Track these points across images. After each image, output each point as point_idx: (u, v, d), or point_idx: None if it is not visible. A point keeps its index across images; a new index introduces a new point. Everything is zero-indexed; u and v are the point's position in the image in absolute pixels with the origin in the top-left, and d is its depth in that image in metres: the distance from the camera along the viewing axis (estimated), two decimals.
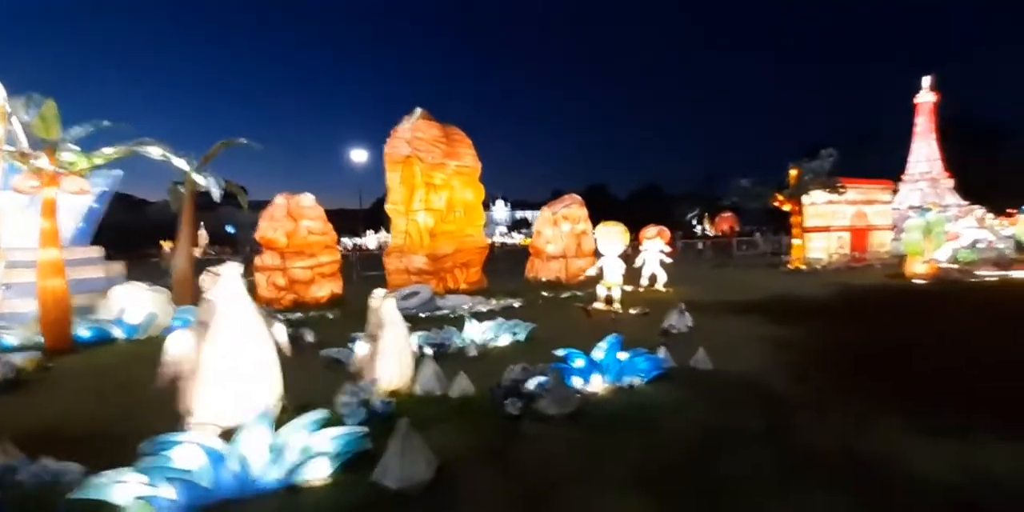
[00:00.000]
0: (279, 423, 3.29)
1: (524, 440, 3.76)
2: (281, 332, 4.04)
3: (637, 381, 5.01)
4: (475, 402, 4.49)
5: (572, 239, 13.80)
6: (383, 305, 4.43)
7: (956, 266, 16.21)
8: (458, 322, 7.70)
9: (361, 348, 4.42)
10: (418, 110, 11.08)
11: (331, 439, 3.23)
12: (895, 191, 22.82)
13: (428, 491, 2.94)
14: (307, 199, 10.63)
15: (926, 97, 23.90)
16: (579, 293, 12.28)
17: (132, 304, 8.82)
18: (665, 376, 5.17)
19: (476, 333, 6.91)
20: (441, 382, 4.75)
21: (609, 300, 10.11)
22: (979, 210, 20.30)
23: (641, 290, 12.97)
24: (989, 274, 14.59)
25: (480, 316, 9.11)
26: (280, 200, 10.63)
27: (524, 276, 14.51)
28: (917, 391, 4.65)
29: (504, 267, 19.09)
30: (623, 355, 5.08)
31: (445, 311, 9.79)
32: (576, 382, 4.80)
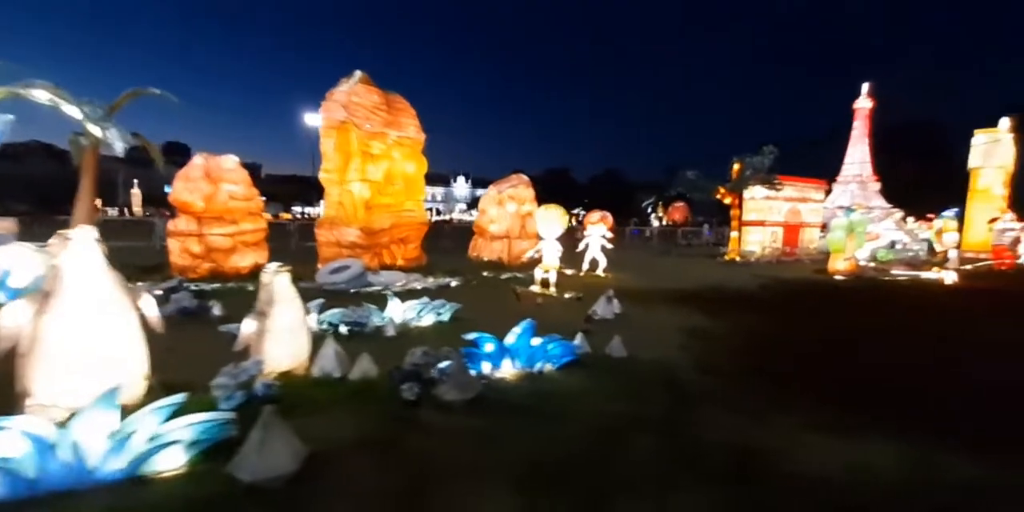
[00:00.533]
0: (144, 406, 2.93)
1: (416, 428, 3.57)
2: (150, 305, 3.60)
3: (548, 367, 4.93)
4: (376, 386, 4.25)
5: (516, 220, 13.61)
6: (275, 280, 4.06)
7: (874, 265, 17.40)
8: (385, 300, 7.39)
9: (248, 325, 4.04)
10: (357, 73, 10.34)
11: (188, 426, 2.90)
12: (828, 191, 24.13)
13: (287, 485, 2.69)
14: (229, 161, 9.78)
15: (863, 103, 25.23)
16: (519, 275, 12.18)
17: (18, 265, 7.86)
18: (577, 363, 5.13)
19: (397, 312, 6.62)
20: (342, 363, 4.47)
21: (546, 283, 10.06)
22: (898, 213, 21.87)
23: (581, 274, 13.06)
24: (902, 274, 15.74)
25: (411, 294, 8.82)
26: (198, 160, 9.73)
27: (468, 255, 14.25)
28: (819, 386, 4.82)
29: (453, 245, 18.73)
30: (536, 340, 4.97)
31: (377, 287, 9.40)
32: (485, 367, 4.66)
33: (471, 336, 4.74)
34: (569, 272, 13.29)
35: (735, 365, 5.41)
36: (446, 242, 20.72)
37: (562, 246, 10.01)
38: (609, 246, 13.09)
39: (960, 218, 26.86)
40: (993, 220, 23.15)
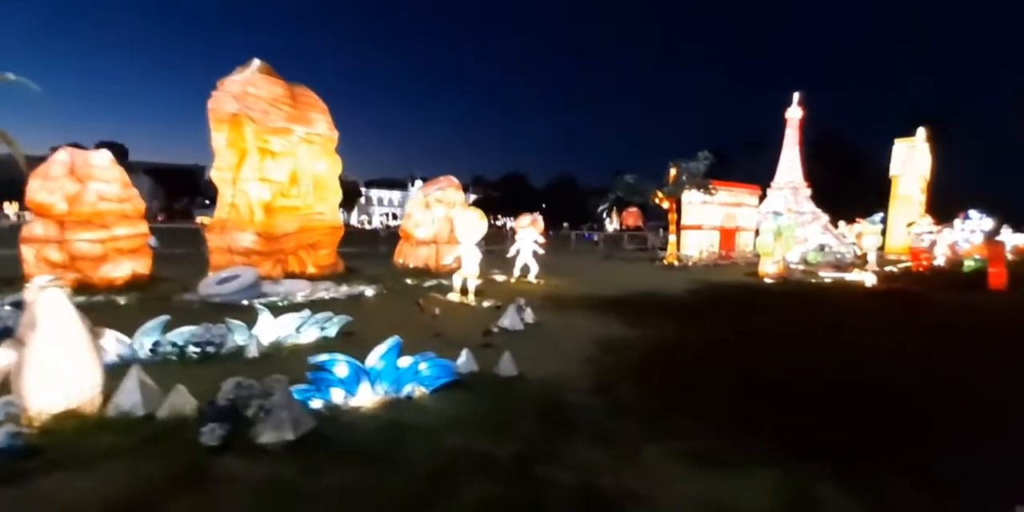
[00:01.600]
0: None
1: (203, 483, 2.81)
2: None
3: (420, 391, 4.26)
4: (189, 426, 3.44)
5: (445, 224, 12.91)
6: (39, 298, 3.18)
7: (803, 267, 17.86)
8: (269, 312, 6.52)
9: (5, 355, 3.14)
10: (256, 61, 9.37)
11: None
12: (763, 196, 24.88)
13: None
14: (100, 157, 8.58)
15: (794, 112, 26.33)
16: (445, 282, 11.48)
17: None
18: (458, 384, 4.49)
19: (268, 328, 5.76)
20: (149, 399, 3.62)
21: (465, 291, 9.41)
22: (825, 217, 22.83)
23: (512, 281, 12.51)
24: (828, 275, 16.16)
25: (315, 306, 7.95)
26: (62, 156, 8.47)
27: (392, 261, 13.40)
28: (713, 404, 4.39)
29: (391, 250, 17.77)
30: (405, 360, 4.28)
31: (274, 298, 8.44)
32: (336, 395, 3.94)
33: (322, 358, 4.00)
34: (499, 278, 12.73)
35: (632, 381, 4.92)
36: (384, 248, 19.74)
37: (482, 252, 9.38)
38: (541, 251, 12.61)
39: (885, 222, 28.51)
40: (911, 224, 24.52)
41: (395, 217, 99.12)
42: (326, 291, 9.42)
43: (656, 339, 6.84)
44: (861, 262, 16.54)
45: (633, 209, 57.15)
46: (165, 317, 5.31)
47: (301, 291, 8.96)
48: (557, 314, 8.56)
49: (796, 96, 25.81)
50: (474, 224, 9.05)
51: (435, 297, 8.62)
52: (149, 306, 7.62)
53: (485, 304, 8.99)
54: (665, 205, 18.87)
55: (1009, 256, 28.83)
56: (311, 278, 10.18)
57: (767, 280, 14.80)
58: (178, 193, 74.51)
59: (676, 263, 18.27)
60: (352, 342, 6.04)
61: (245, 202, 9.08)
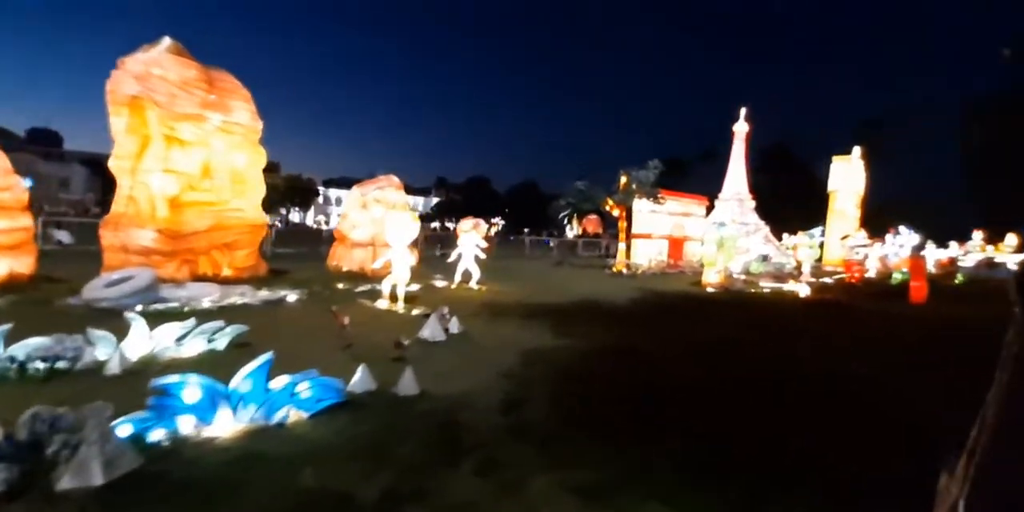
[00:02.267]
0: None
1: None
2: None
3: (298, 415, 3.72)
4: None
5: (383, 225, 12.26)
6: None
7: (745, 277, 18.28)
8: (156, 319, 5.77)
9: None
10: (166, 39, 8.48)
11: None
12: (711, 206, 25.56)
13: None
14: None
15: (741, 127, 27.26)
16: (379, 286, 10.87)
17: None
18: (347, 405, 3.98)
19: (139, 340, 5.03)
20: None
21: (395, 297, 8.85)
22: (766, 228, 23.67)
23: (453, 287, 12.03)
24: (769, 285, 16.58)
25: (226, 312, 7.22)
26: None
27: (326, 263, 12.61)
28: (619, 424, 4.07)
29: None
30: (280, 381, 3.73)
31: (174, 304, 7.60)
32: (185, 423, 3.34)
33: (170, 379, 3.39)
34: (440, 284, 12.21)
35: (546, 397, 4.55)
36: (326, 249, 18.79)
37: (413, 256, 8.84)
38: (483, 256, 12.19)
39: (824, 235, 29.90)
40: (845, 237, 25.77)
41: None
42: (241, 296, 8.62)
43: (585, 350, 6.54)
44: (797, 273, 17.06)
45: (593, 216, 57.93)
46: (6, 326, 4.51)
47: (208, 296, 8.14)
48: (489, 323, 8.15)
49: (743, 111, 26.75)
50: (405, 226, 8.52)
51: (339, 315, 8.02)
52: (22, 311, 6.66)
53: (415, 312, 8.46)
54: (616, 212, 18.91)
55: (933, 270, 30.94)
56: (226, 282, 9.34)
57: (709, 289, 14.96)
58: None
59: (625, 271, 18.29)
60: (245, 355, 5.38)
61: (146, 195, 8.16)
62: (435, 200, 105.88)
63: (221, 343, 5.52)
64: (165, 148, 8.25)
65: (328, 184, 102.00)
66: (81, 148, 65.57)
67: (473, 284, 12.01)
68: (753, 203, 26.65)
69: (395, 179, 12.88)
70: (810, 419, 4.36)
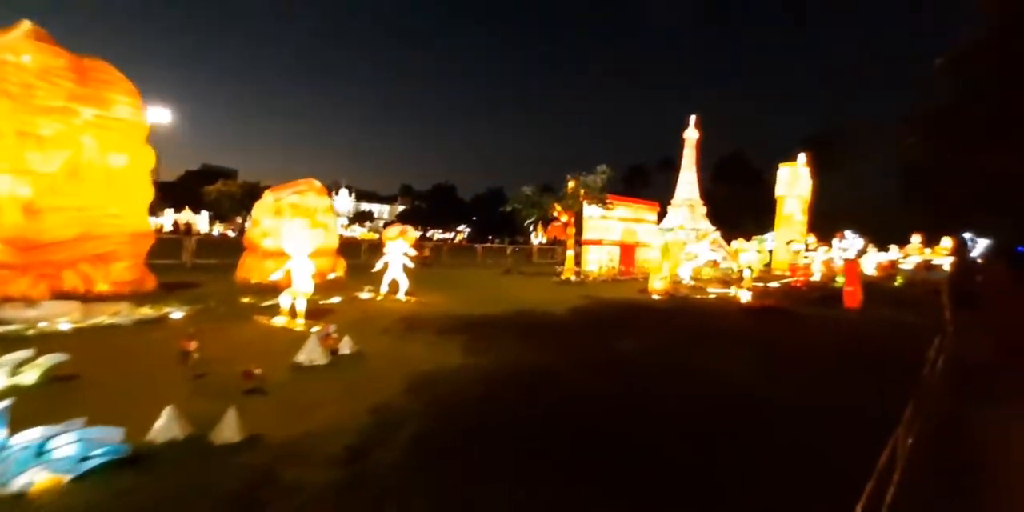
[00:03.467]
0: None
1: None
2: None
3: (51, 480, 2.81)
4: None
5: (322, 235, 11.27)
6: None
7: (693, 283, 18.08)
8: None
9: None
10: (25, 23, 7.39)
11: None
12: (663, 212, 25.55)
13: None
14: None
15: (691, 134, 27.54)
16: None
17: None
18: (136, 461, 3.11)
19: None
20: None
21: (295, 313, 7.90)
22: (715, 234, 23.83)
23: (379, 298, 11.12)
24: (715, 291, 16.39)
25: (84, 335, 6.17)
26: None
27: (235, 276, 11.46)
28: (489, 473, 3.36)
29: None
30: (26, 436, 2.83)
31: (14, 326, 6.45)
32: None
33: None
34: (365, 296, 11.28)
35: (404, 441, 3.79)
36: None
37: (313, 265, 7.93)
38: (411, 265, 11.34)
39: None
40: (790, 242, 26.24)
41: None
42: (111, 316, 7.49)
43: (488, 371, 5.82)
44: (736, 278, 16.97)
45: (559, 223, 57.90)
46: None
47: (65, 316, 6.99)
48: (396, 340, 7.35)
49: (692, 119, 27.03)
50: (301, 233, 7.63)
51: (260, 320, 7.03)
52: None
53: (314, 330, 7.54)
54: (564, 218, 18.42)
55: (875, 272, 31.97)
56: (101, 298, 8.16)
57: (655, 297, 14.60)
58: None
59: (573, 278, 17.78)
60: (65, 391, 4.43)
61: None
62: (401, 208, 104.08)
63: (29, 376, 4.51)
64: (18, 146, 7.09)
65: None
66: None
67: (401, 295, 11.15)
68: (704, 209, 26.87)
69: (316, 183, 11.91)
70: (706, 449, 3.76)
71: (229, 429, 3.51)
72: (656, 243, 14.64)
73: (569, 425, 4.22)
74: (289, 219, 7.61)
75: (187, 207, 66.48)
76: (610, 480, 3.30)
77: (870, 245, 35.64)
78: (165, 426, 3.45)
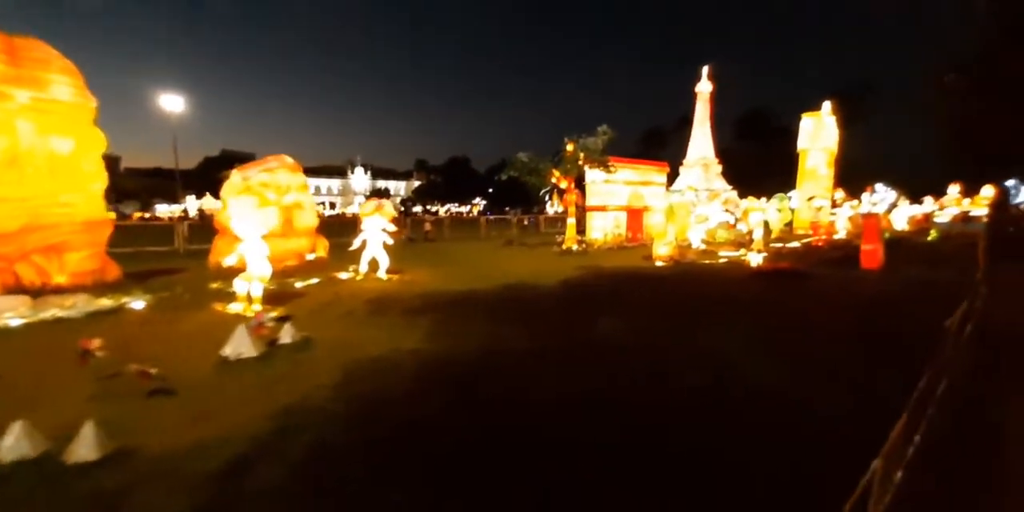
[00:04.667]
0: None
1: None
2: None
3: None
4: None
5: (277, 213, 10.78)
6: None
7: (704, 247, 17.06)
8: None
9: None
10: None
11: None
12: (674, 174, 24.11)
13: None
14: None
15: (704, 86, 25.53)
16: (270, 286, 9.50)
17: None
18: None
19: None
20: None
21: (250, 298, 7.48)
22: (729, 194, 22.35)
23: (359, 278, 10.67)
24: (728, 254, 15.40)
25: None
26: None
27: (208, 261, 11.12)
28: (376, 488, 2.82)
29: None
30: None
31: None
32: None
33: None
34: (344, 276, 10.84)
35: (307, 449, 3.26)
36: None
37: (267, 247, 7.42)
38: (390, 241, 10.78)
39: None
40: (811, 199, 24.59)
41: (332, 206, 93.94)
42: (62, 308, 7.22)
43: (442, 358, 5.27)
44: (747, 240, 15.87)
45: (577, 190, 56.38)
46: None
47: (9, 311, 6.72)
48: (356, 324, 6.86)
49: (706, 69, 25.02)
50: (250, 213, 7.08)
51: (215, 308, 6.61)
52: None
53: (271, 315, 7.11)
54: (563, 185, 17.44)
55: (908, 226, 29.98)
56: (59, 291, 7.89)
57: (659, 263, 13.75)
58: None
59: (575, 248, 16.97)
60: None
61: None
62: (416, 183, 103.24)
63: None
64: None
65: (306, 173, 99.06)
66: None
67: (382, 274, 10.66)
68: (719, 168, 25.24)
69: (288, 159, 11.30)
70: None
71: (85, 446, 3.04)
72: (659, 206, 13.62)
73: (499, 430, 3.64)
74: (234, 197, 7.06)
75: (207, 194, 67.22)
76: None
77: (902, 198, 33.37)
78: (14, 443, 3.01)
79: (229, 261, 7.51)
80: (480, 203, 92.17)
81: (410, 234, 24.03)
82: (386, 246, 10.79)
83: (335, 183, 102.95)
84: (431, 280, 10.84)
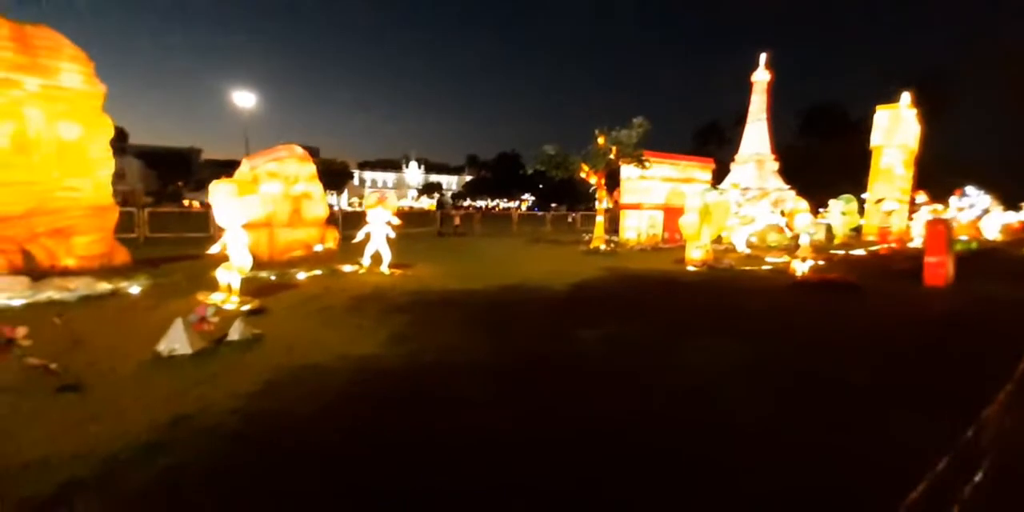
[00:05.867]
0: None
1: None
2: None
3: None
4: None
5: (284, 203, 10.71)
6: None
7: (749, 251, 15.55)
8: None
9: None
10: None
11: None
12: (722, 171, 22.31)
13: None
14: None
15: (761, 75, 23.34)
16: (263, 274, 9.38)
17: None
18: None
19: None
20: None
21: (231, 289, 7.30)
22: (776, 194, 20.26)
23: (362, 271, 10.39)
24: (774, 261, 13.92)
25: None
26: None
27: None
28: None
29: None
30: None
31: None
32: None
33: None
34: (348, 269, 10.60)
35: (158, 475, 2.80)
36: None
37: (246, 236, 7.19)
38: (393, 235, 10.42)
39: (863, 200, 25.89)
40: (879, 201, 22.01)
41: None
42: (61, 291, 7.35)
43: (387, 368, 4.74)
44: (794, 246, 14.20)
45: (605, 188, 54.54)
46: None
47: (6, 292, 6.88)
48: (324, 322, 6.48)
49: (763, 57, 22.83)
50: (230, 201, 6.86)
51: (198, 297, 6.48)
52: None
53: (245, 308, 6.89)
54: (593, 180, 16.46)
55: (1000, 236, 26.31)
56: (66, 273, 8.10)
57: (690, 268, 12.58)
58: (170, 176, 71.70)
59: (603, 247, 15.98)
60: None
61: None
62: (468, 178, 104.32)
63: None
64: None
65: (363, 166, 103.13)
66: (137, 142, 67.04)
67: (384, 268, 10.33)
68: (776, 165, 23.05)
69: (298, 149, 11.17)
70: None
71: None
72: (691, 205, 12.44)
73: (388, 479, 3.03)
74: (213, 184, 6.89)
75: None
76: None
77: (995, 203, 29.41)
78: None
79: (213, 250, 7.37)
80: (529, 199, 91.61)
81: (440, 228, 23.87)
82: (389, 240, 10.45)
83: (390, 176, 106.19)
84: (433, 277, 10.38)
